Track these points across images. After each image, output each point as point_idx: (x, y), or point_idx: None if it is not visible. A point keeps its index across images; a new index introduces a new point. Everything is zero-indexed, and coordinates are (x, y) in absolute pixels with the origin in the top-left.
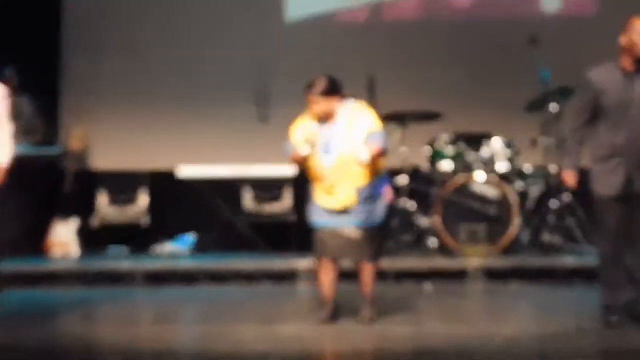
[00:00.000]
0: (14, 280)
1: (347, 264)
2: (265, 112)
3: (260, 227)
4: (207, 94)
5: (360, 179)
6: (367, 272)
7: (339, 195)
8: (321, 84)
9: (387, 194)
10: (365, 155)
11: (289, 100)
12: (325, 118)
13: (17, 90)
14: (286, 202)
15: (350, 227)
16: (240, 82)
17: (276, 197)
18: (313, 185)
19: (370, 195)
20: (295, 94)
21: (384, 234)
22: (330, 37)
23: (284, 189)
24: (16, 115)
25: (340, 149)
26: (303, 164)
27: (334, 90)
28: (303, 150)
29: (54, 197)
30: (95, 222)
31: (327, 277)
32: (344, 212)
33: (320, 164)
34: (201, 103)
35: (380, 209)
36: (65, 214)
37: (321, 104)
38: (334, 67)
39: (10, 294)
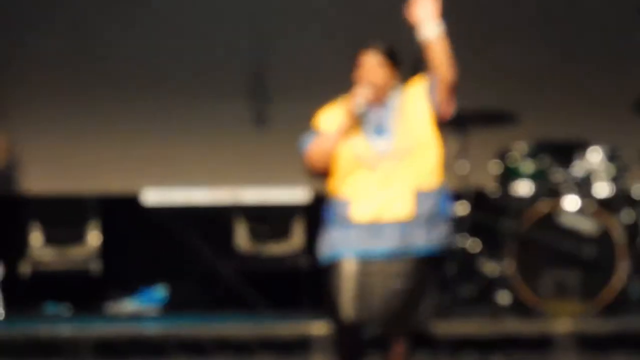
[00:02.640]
0: None
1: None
2: (263, 110)
3: (258, 276)
4: (183, 87)
5: (424, 177)
6: (402, 343)
7: (391, 199)
8: (383, 45)
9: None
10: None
11: (296, 93)
12: (375, 94)
13: None
14: (295, 239)
15: (394, 260)
16: (228, 70)
17: (281, 233)
18: (337, 189)
19: (435, 208)
20: (304, 85)
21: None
22: (355, 4)
23: (293, 220)
24: None
25: (398, 130)
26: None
27: (396, 59)
28: (356, 107)
29: None
30: (25, 268)
31: (349, 352)
32: (387, 231)
33: (368, 151)
34: (175, 100)
35: (444, 231)
36: None
37: (378, 72)
38: (360, 47)
39: None
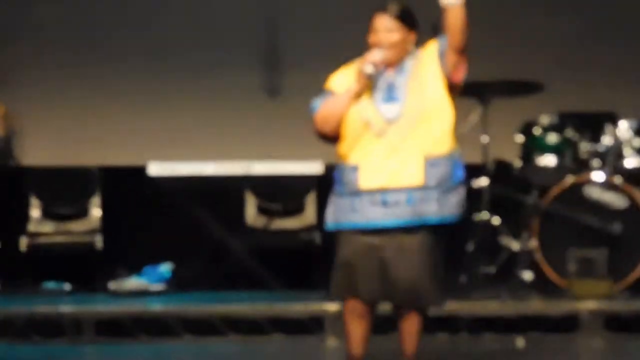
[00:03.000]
0: None
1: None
2: (275, 80)
3: (269, 253)
4: (190, 55)
5: (435, 144)
6: (413, 316)
7: (400, 166)
8: (399, 5)
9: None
10: None
11: (310, 63)
12: (391, 57)
13: None
14: (308, 214)
15: (405, 232)
16: (238, 37)
17: (293, 208)
18: (346, 155)
19: (446, 175)
20: (318, 55)
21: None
22: None
23: (305, 195)
24: None
25: (409, 95)
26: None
27: (413, 21)
28: (367, 69)
29: None
30: (23, 244)
31: (358, 328)
32: (396, 199)
33: (377, 117)
34: (181, 68)
35: (457, 199)
36: None
37: (394, 33)
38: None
39: None
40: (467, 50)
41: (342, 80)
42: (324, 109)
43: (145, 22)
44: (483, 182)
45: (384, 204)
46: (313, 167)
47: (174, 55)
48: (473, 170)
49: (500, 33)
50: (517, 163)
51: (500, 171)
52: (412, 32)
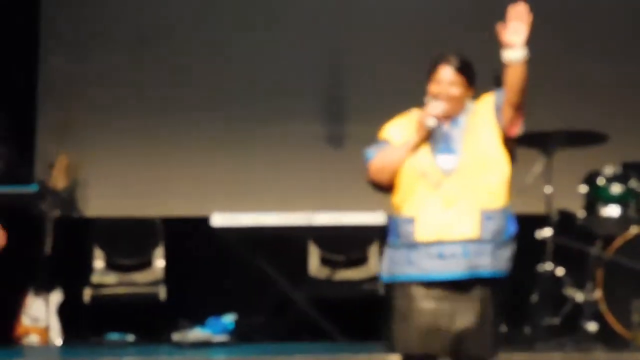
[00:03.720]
0: None
1: None
2: (337, 131)
3: (332, 303)
4: (253, 105)
5: (491, 197)
6: None
7: (456, 219)
8: (460, 58)
9: None
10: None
11: (372, 113)
12: (450, 110)
13: None
14: (371, 265)
15: (461, 283)
16: (301, 87)
17: (356, 258)
18: (401, 206)
19: (501, 229)
20: (380, 105)
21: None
22: (435, 22)
23: (368, 245)
24: None
25: (465, 147)
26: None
27: (473, 75)
28: (429, 121)
29: (26, 258)
30: (86, 295)
31: None
32: (452, 252)
33: (433, 169)
34: (243, 119)
35: (509, 254)
36: (43, 284)
37: (456, 87)
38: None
39: None
40: (524, 107)
41: (398, 130)
42: (380, 159)
43: (211, 78)
44: (547, 232)
45: (440, 256)
46: (376, 218)
47: (237, 105)
48: (537, 221)
49: (564, 83)
50: (581, 214)
51: (564, 222)
52: (472, 87)
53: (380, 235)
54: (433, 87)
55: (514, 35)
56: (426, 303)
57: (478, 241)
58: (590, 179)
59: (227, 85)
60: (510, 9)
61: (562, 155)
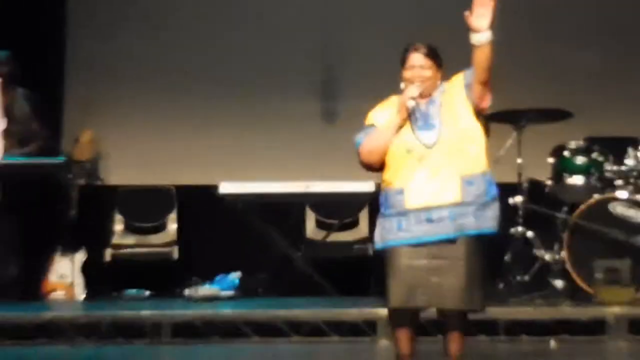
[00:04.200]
0: (1, 334)
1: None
2: (332, 107)
3: (327, 263)
4: (255, 84)
5: (470, 164)
6: (457, 319)
7: (441, 186)
8: (427, 44)
9: None
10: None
11: (366, 91)
12: (425, 91)
13: (11, 79)
14: (361, 228)
15: (448, 242)
16: (298, 67)
17: (348, 222)
18: (391, 181)
19: (482, 192)
20: (375, 82)
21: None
22: (424, 4)
23: (359, 211)
24: (8, 115)
25: (443, 122)
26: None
27: (439, 57)
28: (409, 103)
29: (54, 222)
30: (107, 255)
31: (407, 331)
32: (440, 217)
33: (417, 144)
34: (248, 97)
35: (493, 213)
36: (69, 245)
37: (427, 70)
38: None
39: None
40: (491, 83)
41: (381, 115)
42: (369, 142)
43: (219, 53)
44: (518, 199)
45: (429, 221)
46: (366, 186)
47: (240, 85)
48: (509, 189)
49: (535, 65)
50: (549, 182)
51: (534, 190)
52: (440, 69)
53: (370, 201)
54: (407, 73)
55: (480, 20)
56: (415, 261)
57: (462, 204)
58: (557, 152)
59: (233, 68)
60: None
61: (532, 130)
